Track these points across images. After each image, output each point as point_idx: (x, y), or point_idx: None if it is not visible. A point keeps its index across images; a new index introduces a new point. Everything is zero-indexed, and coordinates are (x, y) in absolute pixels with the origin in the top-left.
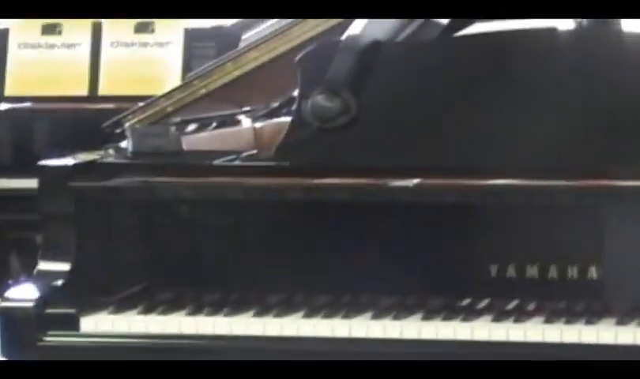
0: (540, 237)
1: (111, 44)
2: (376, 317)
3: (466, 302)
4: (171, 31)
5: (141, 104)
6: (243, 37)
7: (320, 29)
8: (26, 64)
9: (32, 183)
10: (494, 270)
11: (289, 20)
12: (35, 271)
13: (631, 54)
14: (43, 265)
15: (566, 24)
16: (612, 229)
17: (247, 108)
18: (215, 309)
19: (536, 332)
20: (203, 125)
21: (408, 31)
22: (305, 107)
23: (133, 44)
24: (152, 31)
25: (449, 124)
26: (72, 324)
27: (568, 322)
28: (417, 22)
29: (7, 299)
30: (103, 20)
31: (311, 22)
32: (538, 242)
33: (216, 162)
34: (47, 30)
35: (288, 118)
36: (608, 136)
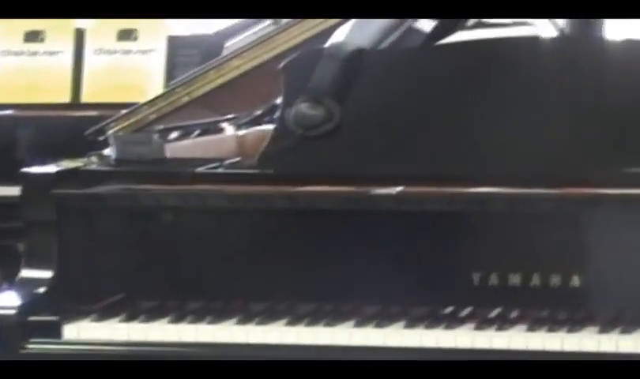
0: (522, 245)
1: (94, 51)
2: (359, 324)
3: (449, 310)
4: (154, 39)
5: (124, 112)
6: (226, 45)
7: (304, 37)
8: (8, 71)
9: (14, 191)
10: (476, 278)
11: (272, 28)
12: (17, 278)
13: (614, 63)
14: (26, 273)
15: (548, 33)
16: (595, 237)
17: (230, 116)
18: (198, 316)
19: (519, 339)
20: (186, 133)
21: (392, 38)
22: (288, 115)
23: (115, 52)
24: (135, 38)
25: (432, 132)
26: (54, 331)
27: (551, 330)
28: (400, 29)
29: None
30: (86, 28)
31: (295, 30)
32: (521, 250)
33: (199, 169)
34: (30, 37)
35: (271, 126)
36: (591, 144)
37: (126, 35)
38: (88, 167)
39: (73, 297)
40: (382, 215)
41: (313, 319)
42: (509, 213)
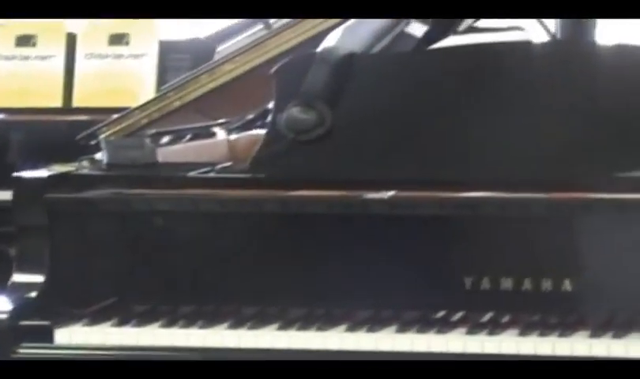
0: (514, 249)
1: (86, 56)
2: (351, 329)
3: (441, 314)
4: (146, 44)
5: (115, 116)
6: (218, 49)
7: (296, 41)
8: (0, 76)
9: (6, 195)
10: (468, 282)
11: (264, 32)
12: (9, 283)
13: (606, 67)
14: (18, 277)
15: (541, 38)
16: (586, 241)
17: (222, 120)
18: (189, 321)
19: (510, 344)
20: (178, 137)
21: (383, 43)
22: (280, 119)
23: (107, 56)
24: (127, 43)
25: (424, 136)
26: (46, 336)
27: (542, 334)
28: (392, 34)
29: None
30: (77, 32)
31: (287, 34)
32: (513, 255)
33: (191, 174)
34: (22, 42)
35: (263, 130)
36: (582, 148)
37: (117, 39)
38: (79, 172)
39: (64, 301)
40: (373, 220)
41: (305, 323)
42: (501, 217)
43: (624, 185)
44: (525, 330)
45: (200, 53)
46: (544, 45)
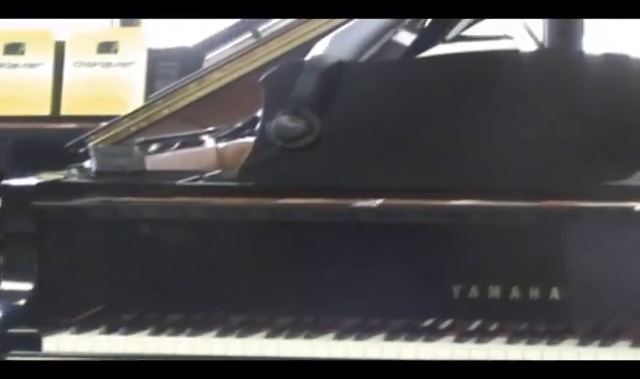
0: (502, 257)
1: (74, 64)
2: (338, 337)
3: (429, 322)
4: (135, 52)
5: (104, 124)
6: (207, 57)
7: (284, 50)
8: None
9: None
10: (456, 290)
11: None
12: None
13: (594, 76)
14: (5, 285)
15: (529, 46)
16: (574, 250)
17: (211, 128)
18: (177, 329)
19: (498, 352)
20: (166, 145)
21: (372, 51)
22: (269, 127)
23: (95, 64)
24: (115, 51)
25: (412, 145)
26: (34, 344)
27: (530, 342)
28: (380, 43)
29: None
30: (66, 40)
31: (275, 43)
32: (501, 263)
33: (180, 182)
34: (10, 50)
35: (252, 139)
36: (570, 157)
37: (106, 47)
38: (68, 179)
39: (52, 309)
40: (362, 228)
41: (292, 331)
42: (489, 226)
43: (612, 194)
44: (513, 338)
45: (188, 61)
46: (531, 54)
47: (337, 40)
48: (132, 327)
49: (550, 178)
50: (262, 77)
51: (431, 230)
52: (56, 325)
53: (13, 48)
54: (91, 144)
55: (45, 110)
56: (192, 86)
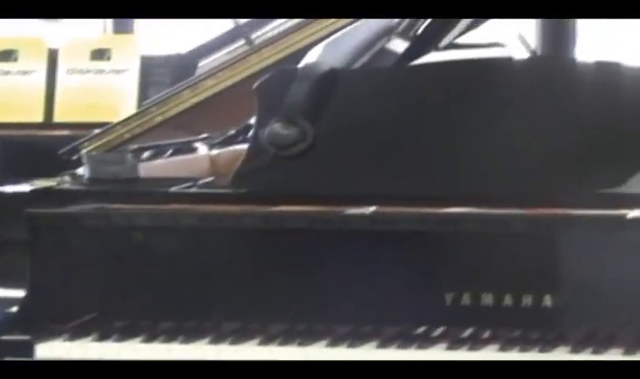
0: (495, 265)
1: (67, 71)
2: (332, 344)
3: (421, 329)
4: (128, 59)
5: (97, 131)
6: (200, 64)
7: (278, 57)
8: None
9: None
10: (449, 298)
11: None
12: None
13: (587, 84)
14: None
15: (522, 54)
16: (567, 257)
17: (204, 135)
18: (170, 336)
19: (491, 359)
20: (159, 152)
21: (365, 59)
22: (262, 135)
23: (88, 71)
24: (108, 58)
25: (405, 152)
26: (26, 351)
27: (523, 350)
28: (373, 50)
29: None
30: (59, 47)
31: (268, 50)
32: (493, 270)
33: (173, 189)
34: (3, 57)
35: (245, 146)
36: (563, 165)
37: (99, 54)
38: (61, 186)
39: (45, 316)
40: (355, 235)
41: (286, 339)
42: (481, 233)
43: (605, 202)
44: (506, 345)
45: (181, 68)
46: (525, 61)
47: (330, 48)
48: (125, 334)
49: (543, 185)
50: (255, 85)
51: (425, 237)
52: (49, 332)
53: (6, 55)
54: (84, 151)
55: (38, 117)
56: (185, 93)
